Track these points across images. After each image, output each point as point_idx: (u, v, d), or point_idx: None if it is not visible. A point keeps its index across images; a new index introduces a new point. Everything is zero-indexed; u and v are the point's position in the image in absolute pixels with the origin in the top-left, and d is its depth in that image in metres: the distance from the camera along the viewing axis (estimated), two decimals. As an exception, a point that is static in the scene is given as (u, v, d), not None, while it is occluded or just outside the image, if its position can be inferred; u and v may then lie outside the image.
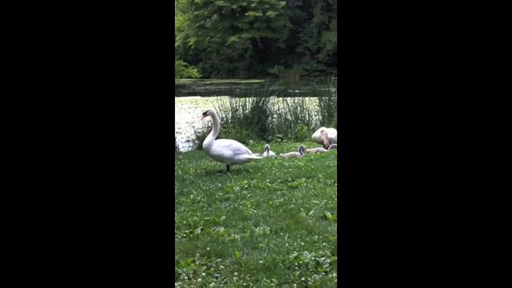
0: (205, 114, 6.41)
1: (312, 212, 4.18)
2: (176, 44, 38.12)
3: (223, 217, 4.13)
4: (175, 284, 2.88)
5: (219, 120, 6.68)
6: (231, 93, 12.42)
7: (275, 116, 10.70)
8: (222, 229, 3.82)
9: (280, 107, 10.86)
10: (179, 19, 39.85)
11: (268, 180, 5.52)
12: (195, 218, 4.14)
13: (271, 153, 7.44)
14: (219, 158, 6.22)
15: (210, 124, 9.61)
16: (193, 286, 2.89)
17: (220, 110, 10.06)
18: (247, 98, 10.36)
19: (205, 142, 6.25)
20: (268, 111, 10.51)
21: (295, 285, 2.85)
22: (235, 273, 3.02)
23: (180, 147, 9.72)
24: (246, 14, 38.62)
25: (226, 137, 7.69)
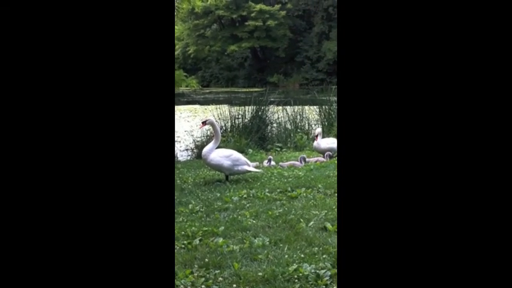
0: (204, 123, 6.37)
1: (311, 223, 4.13)
2: (176, 53, 38.26)
3: (222, 228, 4.09)
4: (173, 296, 2.84)
5: (219, 129, 6.63)
6: (230, 102, 12.39)
7: (274, 125, 10.66)
8: (220, 240, 3.77)
9: (279, 116, 10.82)
10: (179, 28, 39.97)
11: (267, 190, 5.48)
12: (193, 228, 4.09)
13: (272, 163, 7.40)
14: (217, 167, 6.16)
15: (209, 133, 9.59)
16: (191, 299, 2.85)
17: (219, 119, 10.03)
18: (247, 107, 10.33)
19: (205, 150, 6.20)
20: (267, 120, 10.48)
21: (294, 298, 2.81)
22: (234, 285, 2.97)
23: (178, 156, 9.67)
24: (246, 23, 38.77)
25: (225, 146, 7.66)
